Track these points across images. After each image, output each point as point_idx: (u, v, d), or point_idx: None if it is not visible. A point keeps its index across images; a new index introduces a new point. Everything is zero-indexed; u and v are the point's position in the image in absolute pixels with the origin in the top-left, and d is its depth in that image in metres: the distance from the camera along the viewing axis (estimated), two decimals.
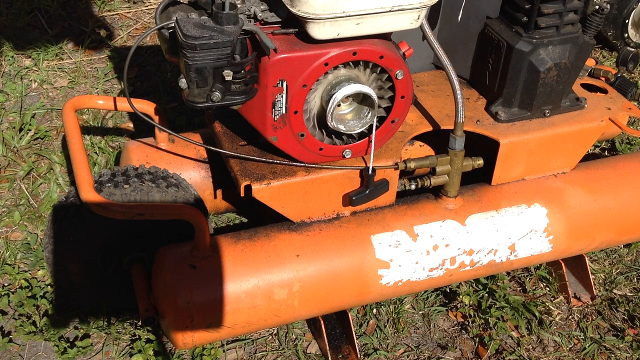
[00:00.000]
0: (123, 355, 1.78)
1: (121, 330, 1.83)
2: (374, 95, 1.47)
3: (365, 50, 1.43)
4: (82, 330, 1.83)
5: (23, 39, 2.93)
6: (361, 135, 1.58)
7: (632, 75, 2.99)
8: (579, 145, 1.82)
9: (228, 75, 1.36)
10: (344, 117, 1.53)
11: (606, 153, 2.53)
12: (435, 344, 1.88)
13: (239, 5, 1.42)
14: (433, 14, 1.75)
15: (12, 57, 2.84)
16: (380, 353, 1.84)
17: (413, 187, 1.72)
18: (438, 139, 1.80)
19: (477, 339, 1.89)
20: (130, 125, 2.52)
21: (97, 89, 2.72)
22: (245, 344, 1.84)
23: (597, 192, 1.84)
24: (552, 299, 2.01)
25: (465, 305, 1.93)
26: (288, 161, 1.57)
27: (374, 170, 1.59)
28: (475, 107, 1.80)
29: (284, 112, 1.45)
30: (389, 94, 1.53)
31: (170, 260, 1.55)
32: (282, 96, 1.43)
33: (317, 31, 1.36)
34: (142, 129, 2.46)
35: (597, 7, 1.71)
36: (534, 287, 2.04)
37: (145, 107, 1.87)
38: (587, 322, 1.95)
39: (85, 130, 2.44)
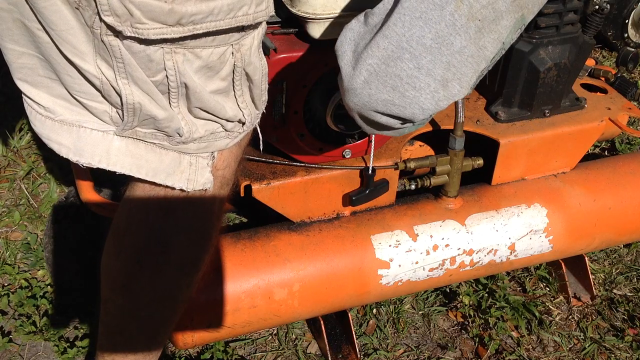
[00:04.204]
0: None
1: None
2: None
3: None
4: (82, 330, 1.83)
5: None
6: (361, 135, 1.58)
7: (632, 75, 2.99)
8: (579, 145, 1.82)
9: None
10: (344, 117, 1.52)
11: (606, 153, 2.53)
12: (435, 344, 1.88)
13: None
14: None
15: None
16: (380, 353, 1.84)
17: (413, 187, 1.72)
18: (438, 139, 1.80)
19: (477, 339, 1.89)
20: None
21: None
22: (245, 344, 1.84)
23: (597, 192, 1.84)
24: (552, 299, 2.02)
25: (465, 305, 1.94)
26: (288, 161, 1.57)
27: (374, 170, 1.59)
28: (475, 107, 1.80)
29: (283, 112, 1.45)
30: None
31: None
32: (281, 96, 1.43)
33: (317, 31, 1.36)
34: None
35: (597, 7, 1.71)
36: (534, 287, 2.04)
37: None
38: (587, 322, 1.95)
39: None
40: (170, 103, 1.06)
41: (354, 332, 1.77)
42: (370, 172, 1.58)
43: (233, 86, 1.11)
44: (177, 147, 1.12)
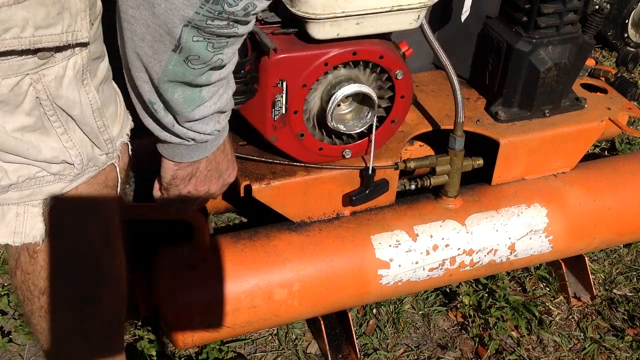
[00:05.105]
0: None
1: None
2: (374, 95, 1.47)
3: (365, 50, 1.43)
4: None
5: None
6: (361, 135, 1.58)
7: (632, 75, 2.99)
8: (579, 145, 1.82)
9: None
10: (344, 117, 1.53)
11: (606, 153, 2.53)
12: (435, 344, 1.88)
13: None
14: (433, 13, 1.75)
15: None
16: (380, 353, 1.84)
17: (413, 187, 1.72)
18: (438, 139, 1.80)
19: (477, 339, 1.89)
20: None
21: None
22: (245, 344, 1.84)
23: (597, 192, 1.84)
24: (552, 299, 2.02)
25: (465, 305, 1.94)
26: (288, 161, 1.57)
27: (374, 170, 1.59)
28: (475, 107, 1.80)
29: (283, 112, 1.45)
30: (388, 94, 1.53)
31: (170, 260, 1.55)
32: (281, 96, 1.43)
33: (317, 31, 1.36)
34: (141, 128, 2.46)
35: (597, 7, 1.71)
36: (534, 287, 2.04)
37: None
38: (587, 322, 1.95)
39: None
40: None
41: (354, 332, 1.77)
42: (370, 172, 1.58)
43: (50, 123, 0.96)
44: None
